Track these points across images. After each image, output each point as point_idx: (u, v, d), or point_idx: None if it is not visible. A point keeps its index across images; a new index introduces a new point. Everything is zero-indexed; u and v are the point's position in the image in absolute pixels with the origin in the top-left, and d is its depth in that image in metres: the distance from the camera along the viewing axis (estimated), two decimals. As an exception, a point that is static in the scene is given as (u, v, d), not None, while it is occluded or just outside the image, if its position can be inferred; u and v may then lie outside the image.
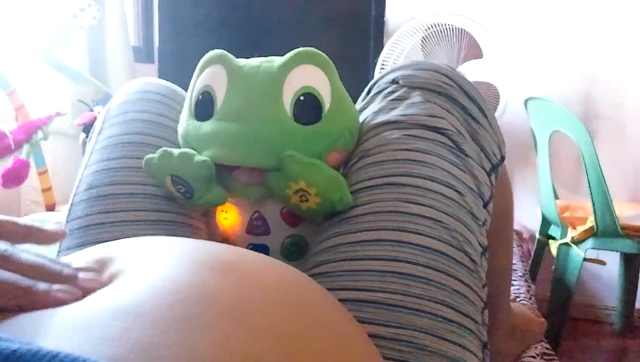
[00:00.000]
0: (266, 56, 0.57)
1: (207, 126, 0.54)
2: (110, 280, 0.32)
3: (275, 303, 0.31)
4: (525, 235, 1.93)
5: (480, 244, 0.51)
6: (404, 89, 0.57)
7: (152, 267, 0.31)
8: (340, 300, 0.45)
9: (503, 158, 0.58)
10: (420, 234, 0.48)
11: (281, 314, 0.31)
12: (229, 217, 0.57)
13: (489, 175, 0.55)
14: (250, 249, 0.57)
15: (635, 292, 1.85)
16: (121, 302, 0.28)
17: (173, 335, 0.26)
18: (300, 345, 0.29)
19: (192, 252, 0.34)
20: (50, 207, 1.44)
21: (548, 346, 0.88)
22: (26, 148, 1.28)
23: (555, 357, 0.87)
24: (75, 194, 0.59)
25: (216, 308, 0.28)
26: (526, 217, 1.90)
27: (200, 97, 0.55)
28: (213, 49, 0.57)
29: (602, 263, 1.62)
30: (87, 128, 1.32)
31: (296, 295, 0.34)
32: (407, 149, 0.52)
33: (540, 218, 1.80)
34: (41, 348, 0.22)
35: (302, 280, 0.37)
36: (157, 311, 0.27)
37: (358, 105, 0.61)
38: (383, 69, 1.69)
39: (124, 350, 0.25)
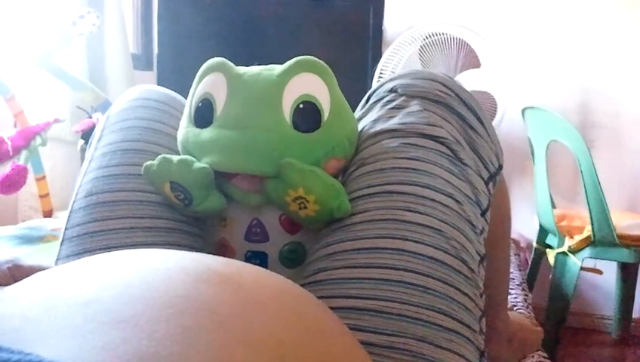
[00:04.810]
0: (265, 64, 0.57)
1: (206, 133, 0.54)
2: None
3: (271, 316, 0.31)
4: (522, 244, 1.93)
5: (478, 253, 0.52)
6: (403, 98, 0.57)
7: (148, 278, 0.31)
8: (337, 308, 0.45)
9: (500, 167, 0.59)
10: (418, 243, 0.48)
11: (276, 327, 0.31)
12: (227, 224, 0.57)
13: (487, 184, 0.56)
14: (249, 256, 0.57)
15: (632, 302, 1.86)
16: (120, 312, 0.28)
17: (170, 346, 0.26)
18: (295, 357, 0.30)
19: (188, 264, 0.34)
20: (48, 213, 1.44)
21: (545, 355, 0.88)
22: (24, 154, 1.28)
23: (552, 366, 0.87)
24: (74, 201, 0.59)
25: (212, 321, 0.29)
26: (523, 226, 1.90)
27: (200, 104, 0.56)
28: (212, 57, 0.58)
29: (599, 272, 1.62)
30: (86, 135, 1.32)
31: (292, 307, 0.34)
32: (405, 158, 0.52)
33: (538, 227, 1.80)
34: (42, 359, 0.22)
35: (297, 292, 0.37)
36: (154, 322, 0.27)
37: (357, 113, 0.62)
38: (381, 77, 1.70)
39: (122, 360, 0.25)
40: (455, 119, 0.56)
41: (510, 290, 1.20)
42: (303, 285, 0.48)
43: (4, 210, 1.53)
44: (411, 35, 1.72)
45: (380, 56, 1.72)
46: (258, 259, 0.56)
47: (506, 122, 1.70)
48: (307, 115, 0.53)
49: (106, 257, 0.36)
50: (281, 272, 0.41)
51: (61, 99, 1.55)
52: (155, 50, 1.74)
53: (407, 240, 0.48)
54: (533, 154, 1.73)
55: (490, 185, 0.56)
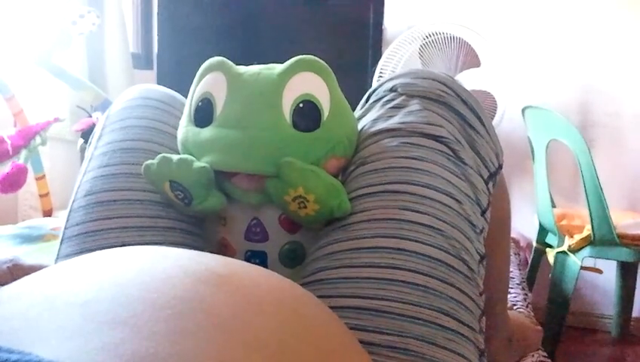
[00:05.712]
0: (265, 63, 0.57)
1: (206, 132, 0.54)
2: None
3: (270, 316, 0.31)
4: (522, 243, 1.93)
5: (478, 252, 0.52)
6: (403, 97, 0.57)
7: (147, 279, 0.31)
8: (336, 307, 0.45)
9: (500, 166, 0.59)
10: (418, 242, 0.48)
11: (275, 327, 0.31)
12: (227, 223, 0.57)
13: (487, 183, 0.56)
14: (249, 255, 0.57)
15: (632, 301, 1.86)
16: (118, 313, 0.28)
17: (169, 347, 0.26)
18: (294, 357, 0.30)
19: (187, 263, 0.34)
20: (48, 213, 1.44)
21: (545, 354, 0.88)
22: (24, 153, 1.28)
23: (552, 366, 0.87)
24: (73, 201, 0.59)
25: (210, 322, 0.29)
26: (523, 225, 1.90)
27: (200, 104, 0.56)
28: (212, 56, 0.58)
29: (599, 271, 1.62)
30: (86, 134, 1.32)
31: (291, 307, 0.34)
32: (405, 157, 0.52)
33: (537, 226, 1.80)
34: (42, 359, 0.22)
35: (297, 292, 0.37)
36: (153, 323, 0.27)
37: (357, 112, 0.62)
38: (381, 76, 1.70)
39: (122, 360, 0.25)
40: (455, 118, 0.56)
41: (510, 289, 1.20)
42: (302, 284, 0.48)
43: (4, 209, 1.53)
44: (411, 35, 1.72)
45: (380, 56, 1.72)
46: (258, 258, 0.56)
47: (505, 121, 1.70)
48: (307, 114, 0.53)
49: (105, 255, 0.36)
50: (280, 272, 0.41)
51: (61, 98, 1.56)
52: (155, 50, 1.74)
53: (407, 239, 0.48)
54: (533, 153, 1.73)
55: (490, 184, 0.56)
